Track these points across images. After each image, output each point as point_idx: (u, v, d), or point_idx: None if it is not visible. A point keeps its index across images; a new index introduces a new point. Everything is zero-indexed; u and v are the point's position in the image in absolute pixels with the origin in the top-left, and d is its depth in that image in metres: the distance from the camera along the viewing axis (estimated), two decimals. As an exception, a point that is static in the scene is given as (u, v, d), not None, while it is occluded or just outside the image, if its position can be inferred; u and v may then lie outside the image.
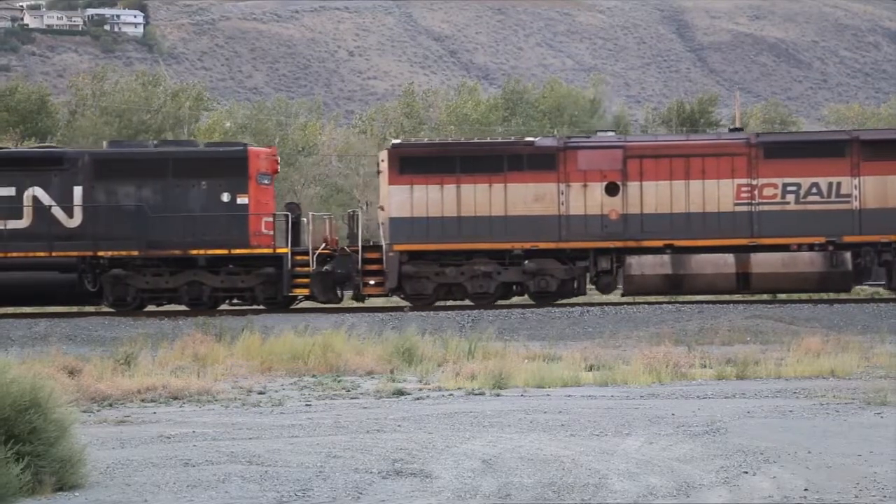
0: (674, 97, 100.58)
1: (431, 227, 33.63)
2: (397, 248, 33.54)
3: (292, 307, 33.97)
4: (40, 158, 34.55)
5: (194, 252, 33.13)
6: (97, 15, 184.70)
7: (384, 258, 33.56)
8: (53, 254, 32.97)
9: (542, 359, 22.80)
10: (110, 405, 18.15)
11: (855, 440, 13.55)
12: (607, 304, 33.47)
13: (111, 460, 12.73)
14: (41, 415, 11.07)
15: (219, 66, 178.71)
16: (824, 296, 35.33)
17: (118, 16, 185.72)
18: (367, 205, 42.72)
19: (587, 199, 33.61)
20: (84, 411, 16.82)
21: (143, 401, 18.61)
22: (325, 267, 33.41)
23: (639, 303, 33.77)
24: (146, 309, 33.70)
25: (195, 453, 13.20)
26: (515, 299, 35.29)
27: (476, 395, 18.85)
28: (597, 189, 33.64)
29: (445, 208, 33.68)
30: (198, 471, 12.15)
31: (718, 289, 33.87)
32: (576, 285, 33.90)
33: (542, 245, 33.52)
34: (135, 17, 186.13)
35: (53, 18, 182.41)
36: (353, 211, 36.27)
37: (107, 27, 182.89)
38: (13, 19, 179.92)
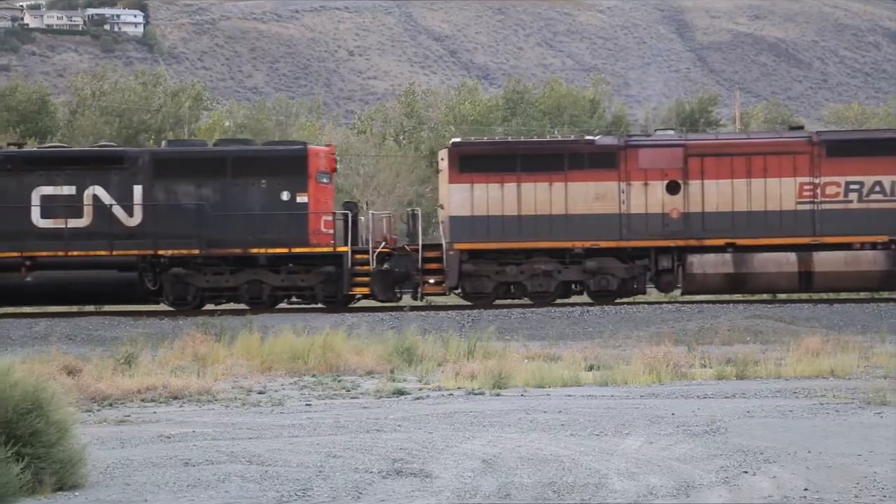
0: (674, 97, 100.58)
1: (492, 226, 33.61)
2: (457, 246, 33.56)
3: (350, 306, 33.97)
4: (100, 157, 34.60)
5: (255, 251, 33.21)
6: (97, 15, 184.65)
7: (444, 257, 33.56)
8: (114, 252, 33.10)
9: (542, 359, 22.80)
10: (110, 405, 18.16)
11: (855, 440, 13.55)
12: (607, 304, 33.47)
13: (111, 460, 12.73)
14: (43, 417, 11.07)
15: (219, 66, 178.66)
16: (824, 296, 35.34)
17: (118, 15, 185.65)
18: (367, 205, 42.68)
19: (648, 198, 33.60)
20: (84, 411, 16.83)
21: (143, 401, 18.61)
22: (385, 266, 33.42)
23: (639, 303, 33.79)
24: (205, 307, 33.69)
25: (195, 453, 13.20)
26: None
27: (476, 394, 18.85)
28: (658, 187, 33.64)
29: (506, 207, 33.66)
30: (198, 470, 12.15)
31: (780, 288, 33.96)
32: (635, 284, 33.91)
33: (603, 244, 33.49)
34: (135, 16, 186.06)
35: (53, 18, 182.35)
36: (413, 210, 36.31)
37: (107, 27, 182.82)
38: (13, 19, 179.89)
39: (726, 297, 34.11)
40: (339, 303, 33.52)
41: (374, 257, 33.21)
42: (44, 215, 33.36)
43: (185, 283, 33.37)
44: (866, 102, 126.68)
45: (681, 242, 33.48)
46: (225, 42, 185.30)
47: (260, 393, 19.56)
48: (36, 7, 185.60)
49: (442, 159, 34.78)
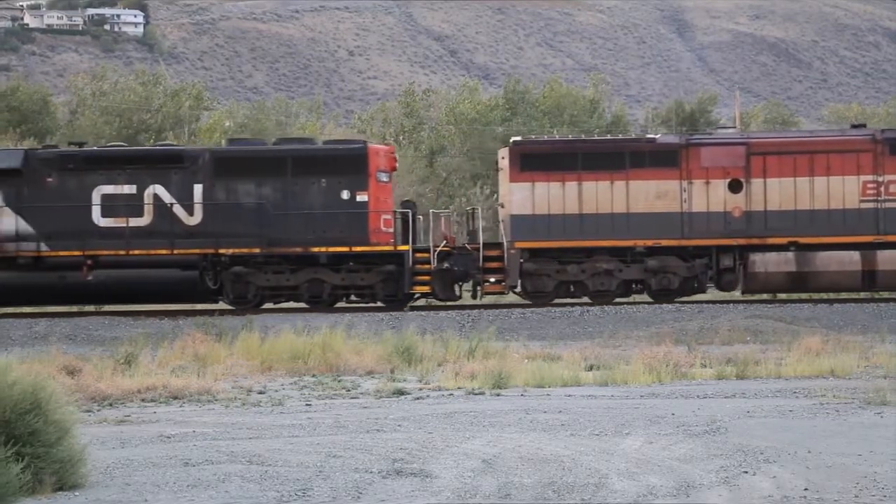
0: (673, 97, 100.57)
1: (553, 225, 33.54)
2: (518, 245, 33.50)
3: (410, 305, 33.99)
4: (161, 156, 34.65)
5: (316, 249, 33.26)
6: (97, 15, 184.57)
7: (505, 255, 33.49)
8: (175, 251, 33.17)
9: (542, 359, 22.80)
10: (110, 405, 18.16)
11: (855, 440, 13.55)
12: (607, 304, 33.44)
13: (111, 460, 12.73)
14: (42, 417, 11.06)
15: (219, 66, 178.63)
16: (824, 295, 35.33)
17: (118, 15, 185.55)
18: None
19: (710, 196, 33.53)
20: (84, 411, 16.83)
21: (143, 400, 18.61)
22: (445, 264, 33.41)
23: (638, 302, 33.79)
24: (265, 306, 33.68)
25: (195, 453, 13.20)
26: (512, 298, 35.21)
27: (476, 394, 18.85)
28: (720, 186, 33.58)
29: (567, 205, 33.59)
30: (198, 470, 12.15)
31: (843, 287, 33.93)
32: (696, 283, 33.84)
33: (665, 242, 33.42)
34: (135, 16, 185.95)
35: (53, 18, 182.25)
36: (473, 208, 36.27)
37: (107, 27, 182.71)
38: (13, 19, 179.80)
39: (726, 297, 34.08)
40: (399, 302, 33.54)
41: (435, 256, 33.22)
42: (105, 214, 33.45)
43: (245, 282, 33.42)
44: (866, 102, 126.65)
45: (743, 241, 33.41)
46: (225, 42, 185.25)
47: (260, 393, 19.56)
48: (36, 7, 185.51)
49: (502, 158, 34.71)
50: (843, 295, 35.21)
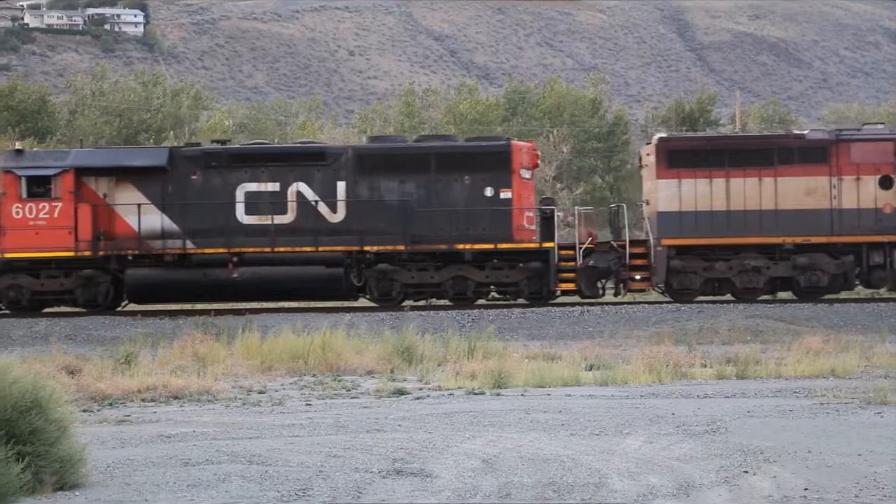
0: (674, 97, 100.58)
1: (700, 221, 33.39)
2: (665, 242, 33.35)
3: (551, 301, 33.97)
4: (304, 154, 34.74)
5: (460, 247, 33.28)
6: (97, 14, 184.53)
7: (651, 253, 33.42)
8: (319, 249, 33.29)
9: (542, 358, 22.80)
10: (110, 405, 18.15)
11: (855, 440, 13.56)
12: (607, 303, 33.45)
13: (111, 460, 12.73)
14: (42, 415, 11.07)
15: (219, 65, 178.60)
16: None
17: (118, 15, 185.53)
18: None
19: (860, 193, 33.39)
20: (84, 411, 16.84)
21: (143, 400, 18.61)
22: (590, 261, 33.40)
23: (639, 302, 33.79)
24: (405, 303, 33.65)
25: (195, 453, 13.20)
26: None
27: (476, 394, 18.85)
28: (870, 182, 33.45)
29: (714, 202, 33.45)
30: (198, 470, 12.15)
31: None
32: (844, 280, 33.78)
33: (814, 239, 33.30)
34: (135, 16, 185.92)
35: (54, 18, 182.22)
36: (618, 205, 36.30)
37: (107, 27, 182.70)
38: (13, 19, 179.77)
39: (727, 296, 34.02)
40: (543, 299, 33.54)
41: (581, 253, 33.23)
42: (248, 212, 33.61)
43: (390, 280, 33.50)
44: (866, 102, 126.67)
45: (894, 238, 33.33)
46: (225, 42, 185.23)
47: (260, 393, 19.56)
48: (36, 7, 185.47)
49: (648, 154, 34.63)
50: (843, 295, 35.24)
